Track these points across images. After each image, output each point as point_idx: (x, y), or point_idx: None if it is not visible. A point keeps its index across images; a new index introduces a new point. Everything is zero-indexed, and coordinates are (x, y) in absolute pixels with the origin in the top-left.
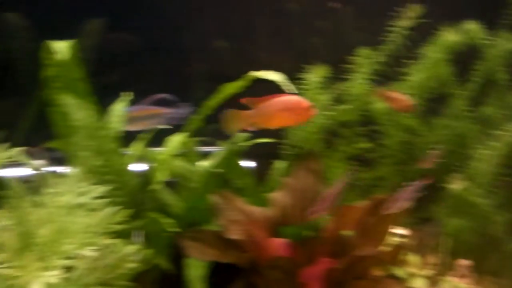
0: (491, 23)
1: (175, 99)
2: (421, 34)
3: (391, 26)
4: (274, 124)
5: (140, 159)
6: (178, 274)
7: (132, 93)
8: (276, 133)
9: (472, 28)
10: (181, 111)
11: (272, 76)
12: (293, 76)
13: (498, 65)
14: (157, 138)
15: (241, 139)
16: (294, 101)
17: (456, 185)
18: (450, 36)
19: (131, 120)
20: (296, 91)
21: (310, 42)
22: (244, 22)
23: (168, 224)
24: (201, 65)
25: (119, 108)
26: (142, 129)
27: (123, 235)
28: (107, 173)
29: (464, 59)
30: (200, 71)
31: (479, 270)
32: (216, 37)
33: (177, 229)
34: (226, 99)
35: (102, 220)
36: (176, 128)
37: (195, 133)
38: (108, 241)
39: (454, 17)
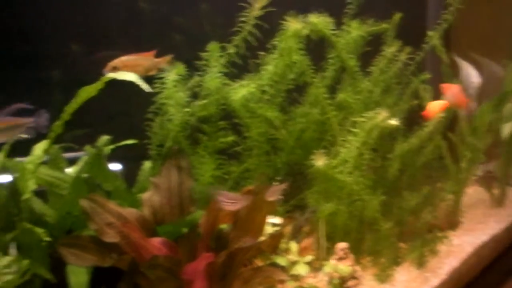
0: (336, 11)
1: (32, 108)
2: (270, 24)
3: (242, 17)
4: None
5: (4, 170)
6: (60, 282)
7: None
8: (142, 134)
9: (317, 20)
10: (40, 119)
11: (128, 77)
12: (151, 74)
13: (348, 53)
14: (22, 148)
15: (104, 143)
16: None
17: (320, 161)
18: (298, 25)
19: None
20: (151, 90)
21: (165, 39)
22: (97, 23)
23: (43, 234)
24: (56, 70)
25: None
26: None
27: None
28: None
29: (316, 48)
30: (55, 76)
31: (357, 251)
32: (70, 41)
33: (53, 238)
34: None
35: None
36: (40, 136)
37: (58, 140)
38: None
39: (299, 5)
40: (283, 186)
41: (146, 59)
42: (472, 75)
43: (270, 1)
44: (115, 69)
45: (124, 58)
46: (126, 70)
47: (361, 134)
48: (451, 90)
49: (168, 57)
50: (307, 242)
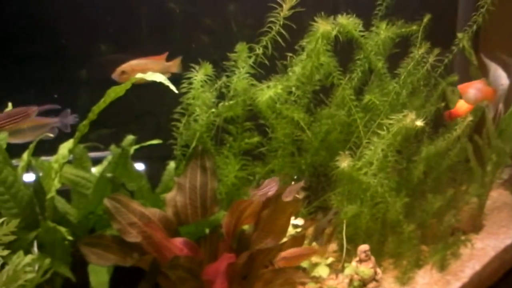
0: (365, 12)
1: (59, 108)
2: (298, 25)
3: (269, 18)
4: None
5: (31, 169)
6: (81, 281)
7: (10, 103)
8: (167, 134)
9: (346, 22)
10: (66, 119)
11: (155, 77)
12: (178, 75)
13: (377, 54)
14: (49, 147)
15: (129, 143)
16: None
17: (345, 163)
18: (327, 26)
19: (16, 132)
20: (177, 91)
21: (192, 40)
22: (124, 24)
23: (65, 233)
24: (83, 71)
25: None
26: (29, 140)
27: (20, 246)
28: None
29: (343, 49)
30: (82, 76)
31: (378, 254)
32: (97, 42)
33: (75, 237)
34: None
35: None
36: (67, 135)
37: (84, 139)
38: (4, 252)
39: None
40: (301, 184)
41: (156, 63)
42: (501, 76)
43: (298, 2)
44: (123, 73)
45: (133, 62)
46: (135, 75)
47: (387, 136)
48: (474, 86)
49: (178, 60)
50: (330, 244)
